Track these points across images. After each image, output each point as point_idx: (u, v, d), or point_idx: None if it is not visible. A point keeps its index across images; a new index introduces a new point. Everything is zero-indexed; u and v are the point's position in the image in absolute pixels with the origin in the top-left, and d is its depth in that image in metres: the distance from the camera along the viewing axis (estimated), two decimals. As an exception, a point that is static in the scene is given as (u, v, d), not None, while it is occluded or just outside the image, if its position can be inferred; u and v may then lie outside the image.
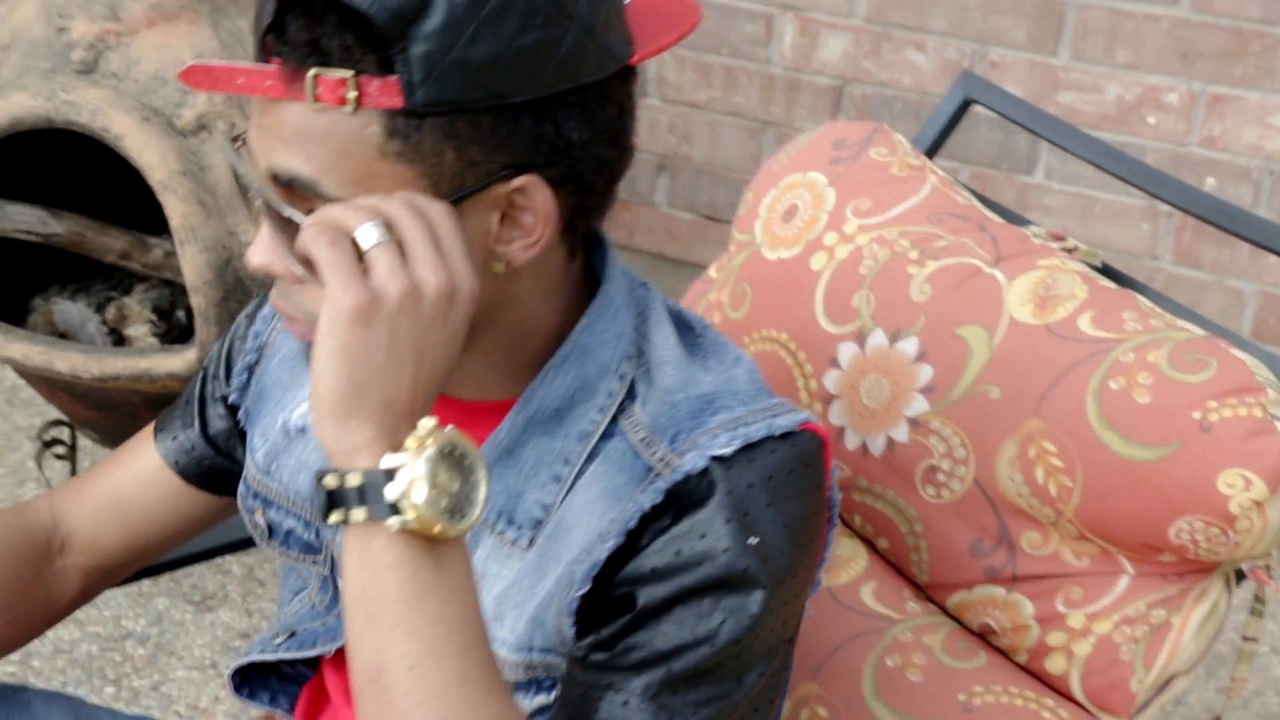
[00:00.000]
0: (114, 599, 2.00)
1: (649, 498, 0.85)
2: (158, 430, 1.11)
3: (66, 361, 1.78)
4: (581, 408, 0.89)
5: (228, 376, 1.09)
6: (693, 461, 0.85)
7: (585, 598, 0.87)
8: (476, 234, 0.83)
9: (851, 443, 1.18)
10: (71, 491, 1.12)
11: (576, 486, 0.89)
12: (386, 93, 0.77)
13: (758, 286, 1.26)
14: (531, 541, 0.89)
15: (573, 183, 0.84)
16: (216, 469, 1.09)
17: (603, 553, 0.86)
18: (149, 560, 1.14)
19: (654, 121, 2.41)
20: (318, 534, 1.03)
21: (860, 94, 2.26)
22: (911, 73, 2.22)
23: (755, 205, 1.30)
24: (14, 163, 1.82)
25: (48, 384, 1.91)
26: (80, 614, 1.98)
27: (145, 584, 2.01)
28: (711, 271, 1.37)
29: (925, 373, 1.14)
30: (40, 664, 1.92)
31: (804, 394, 1.20)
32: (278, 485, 1.04)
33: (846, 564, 1.20)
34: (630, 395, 0.89)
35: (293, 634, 1.07)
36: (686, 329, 0.95)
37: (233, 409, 1.09)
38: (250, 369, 1.07)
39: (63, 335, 1.93)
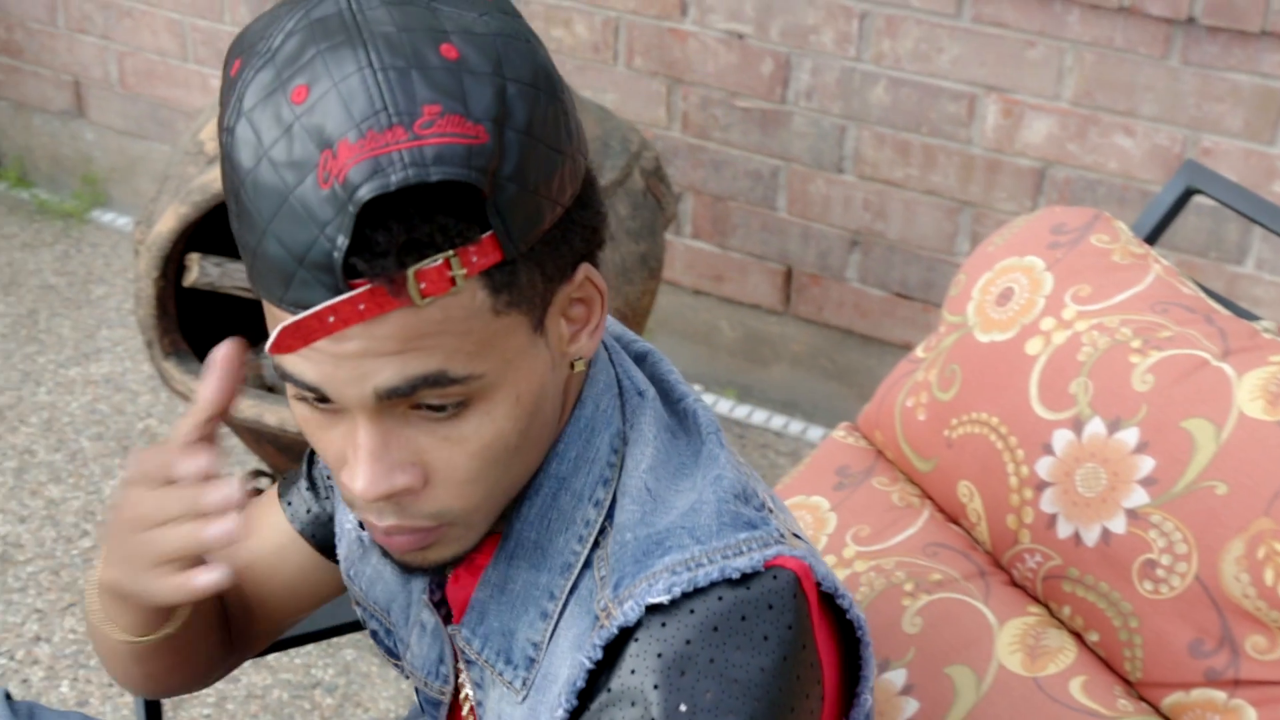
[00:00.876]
0: (306, 648, 2.04)
1: (590, 653, 0.80)
2: (285, 499, 1.07)
3: (275, 415, 1.84)
4: (561, 538, 0.85)
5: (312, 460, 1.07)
6: (627, 613, 0.79)
7: None
8: (554, 345, 0.81)
9: (1063, 531, 1.15)
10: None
11: (559, 627, 0.85)
12: (485, 254, 0.74)
13: (968, 369, 1.25)
14: (525, 683, 0.86)
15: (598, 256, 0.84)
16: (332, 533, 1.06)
17: (565, 710, 0.81)
18: (273, 630, 1.09)
19: (849, 197, 2.41)
20: (396, 643, 1.01)
21: (1063, 177, 2.23)
22: (1118, 157, 2.18)
23: (968, 287, 1.29)
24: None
25: (255, 435, 1.98)
26: (273, 660, 2.03)
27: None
28: (919, 351, 1.36)
29: (1146, 464, 1.11)
30: (234, 708, 1.97)
31: (1014, 479, 1.19)
32: (359, 590, 1.02)
33: (1055, 655, 1.16)
34: (610, 518, 0.84)
35: None
36: (680, 440, 0.88)
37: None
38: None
39: (270, 390, 2.00)
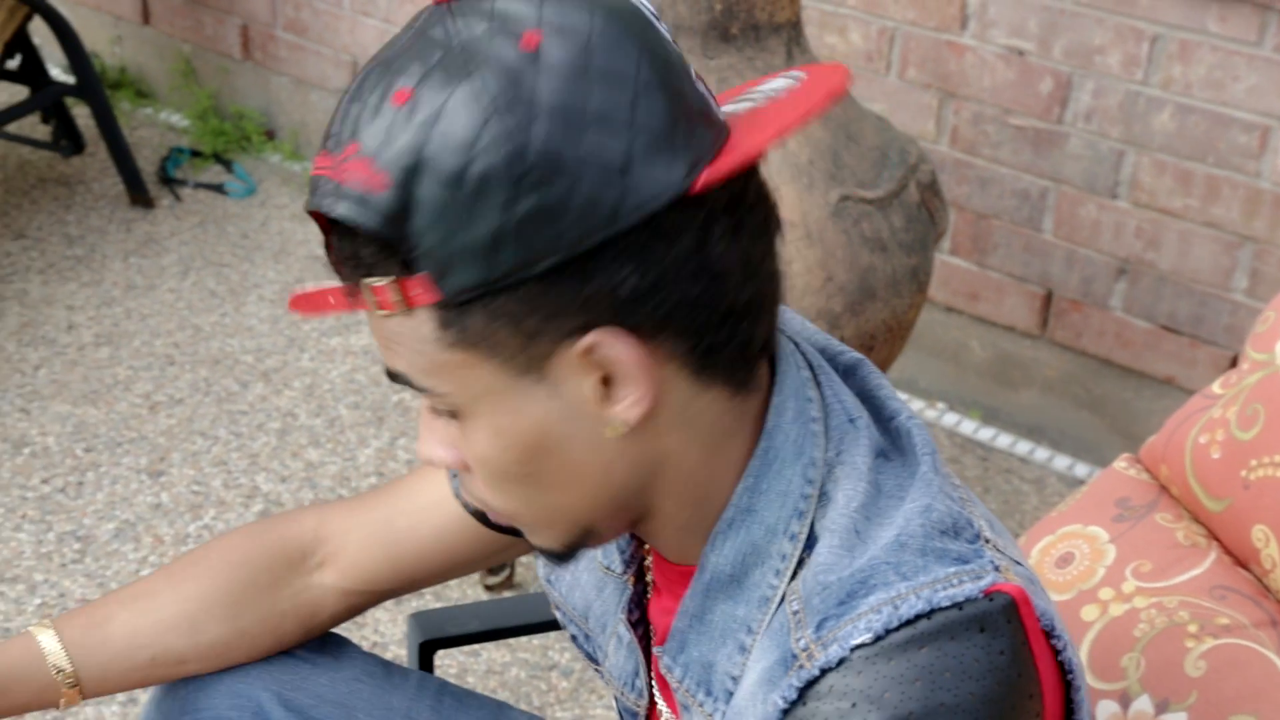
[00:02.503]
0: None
1: (787, 693, 0.78)
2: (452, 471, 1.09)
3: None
4: (757, 572, 0.83)
5: None
6: (830, 656, 0.77)
7: None
8: (575, 401, 0.78)
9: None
10: (345, 512, 1.13)
11: (754, 659, 0.82)
12: (421, 290, 0.75)
13: (1273, 409, 1.20)
14: (724, 716, 0.84)
15: (666, 329, 0.76)
16: None
17: None
18: (410, 590, 1.14)
19: (1120, 224, 2.34)
20: (595, 649, 1.02)
21: (1356, 217, 2.13)
22: None
23: (1276, 325, 1.24)
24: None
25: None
26: (513, 640, 2.07)
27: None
28: (1215, 387, 1.31)
29: None
30: (474, 680, 2.02)
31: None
32: (558, 595, 1.04)
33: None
34: (809, 549, 0.82)
35: None
36: (894, 464, 0.84)
37: None
38: None
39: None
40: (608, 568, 0.97)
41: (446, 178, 0.72)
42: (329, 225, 0.78)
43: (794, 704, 0.77)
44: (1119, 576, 1.24)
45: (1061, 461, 2.49)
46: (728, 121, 0.79)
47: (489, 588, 2.14)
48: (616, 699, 1.01)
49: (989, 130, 2.41)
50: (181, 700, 1.11)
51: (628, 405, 0.78)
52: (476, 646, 2.06)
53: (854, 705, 0.75)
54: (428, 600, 2.13)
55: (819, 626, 0.78)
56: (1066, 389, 2.50)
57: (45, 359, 2.65)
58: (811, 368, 0.86)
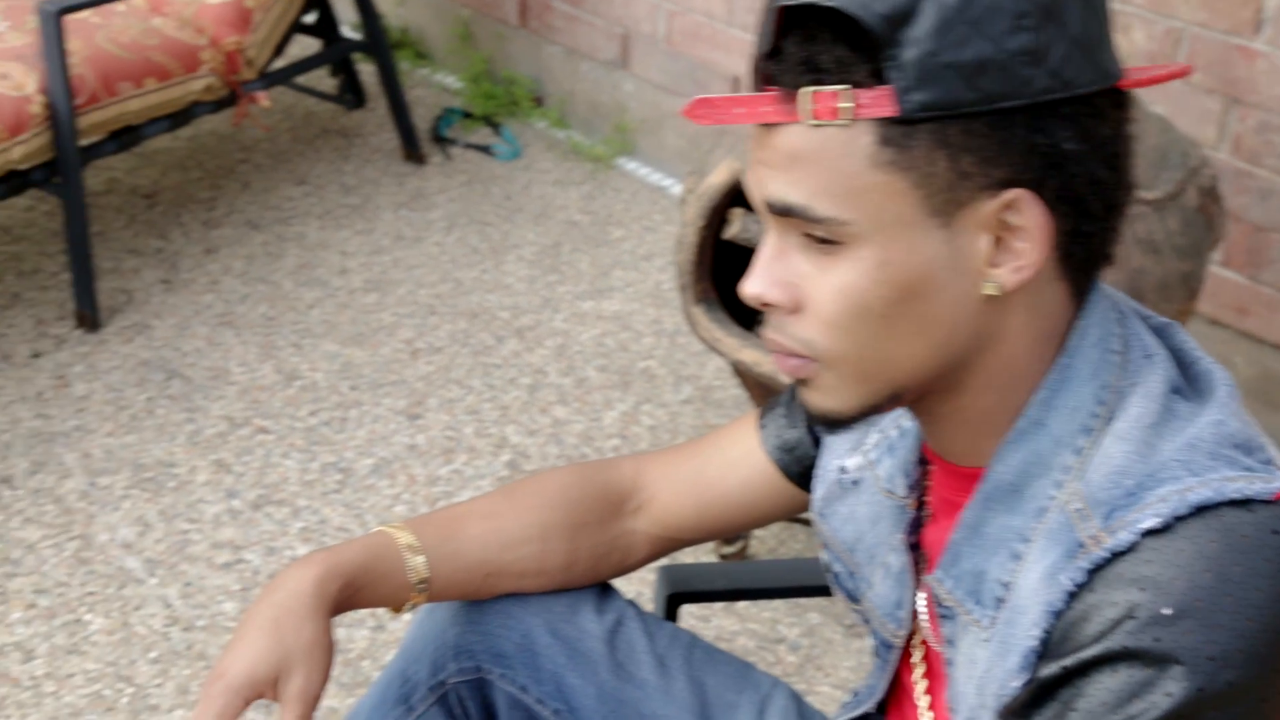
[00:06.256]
0: (775, 604, 2.11)
1: (1075, 575, 0.81)
2: (762, 423, 1.16)
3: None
4: (1037, 483, 0.85)
5: None
6: (1119, 540, 0.79)
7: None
8: (965, 253, 0.82)
9: None
10: (660, 462, 1.20)
11: (1029, 564, 0.85)
12: (879, 102, 0.78)
13: None
14: (993, 621, 0.87)
15: (1067, 203, 0.82)
16: (814, 468, 1.13)
17: (1037, 636, 0.83)
18: (709, 539, 1.19)
19: None
20: (857, 584, 1.05)
21: None
22: None
23: None
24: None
25: (765, 391, 2.05)
26: (741, 609, 2.10)
27: (805, 597, 2.10)
28: None
29: None
30: (702, 644, 2.06)
31: None
32: (828, 530, 1.07)
33: None
34: (1088, 463, 0.84)
35: (855, 693, 1.10)
36: (1188, 397, 0.86)
37: (813, 429, 1.13)
38: None
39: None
40: (890, 492, 1.01)
41: None
42: (784, 25, 0.80)
43: (1081, 586, 0.80)
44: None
45: (1322, 489, 2.39)
46: None
47: (723, 557, 2.17)
48: (875, 632, 1.05)
49: (1275, 140, 2.32)
50: (454, 611, 1.18)
51: (1011, 269, 0.82)
52: (707, 613, 2.09)
53: (1142, 590, 0.77)
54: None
55: (1107, 516, 0.81)
56: (1334, 415, 2.40)
57: (318, 300, 2.79)
58: (1120, 312, 0.90)
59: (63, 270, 2.78)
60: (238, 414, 2.47)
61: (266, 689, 1.02)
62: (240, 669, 1.01)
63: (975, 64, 0.77)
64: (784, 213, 0.82)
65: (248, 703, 1.01)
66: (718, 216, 1.97)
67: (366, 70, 3.52)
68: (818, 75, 0.79)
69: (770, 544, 2.24)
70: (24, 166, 2.49)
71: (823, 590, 1.38)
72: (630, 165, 3.32)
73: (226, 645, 1.03)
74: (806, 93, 0.79)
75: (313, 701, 1.02)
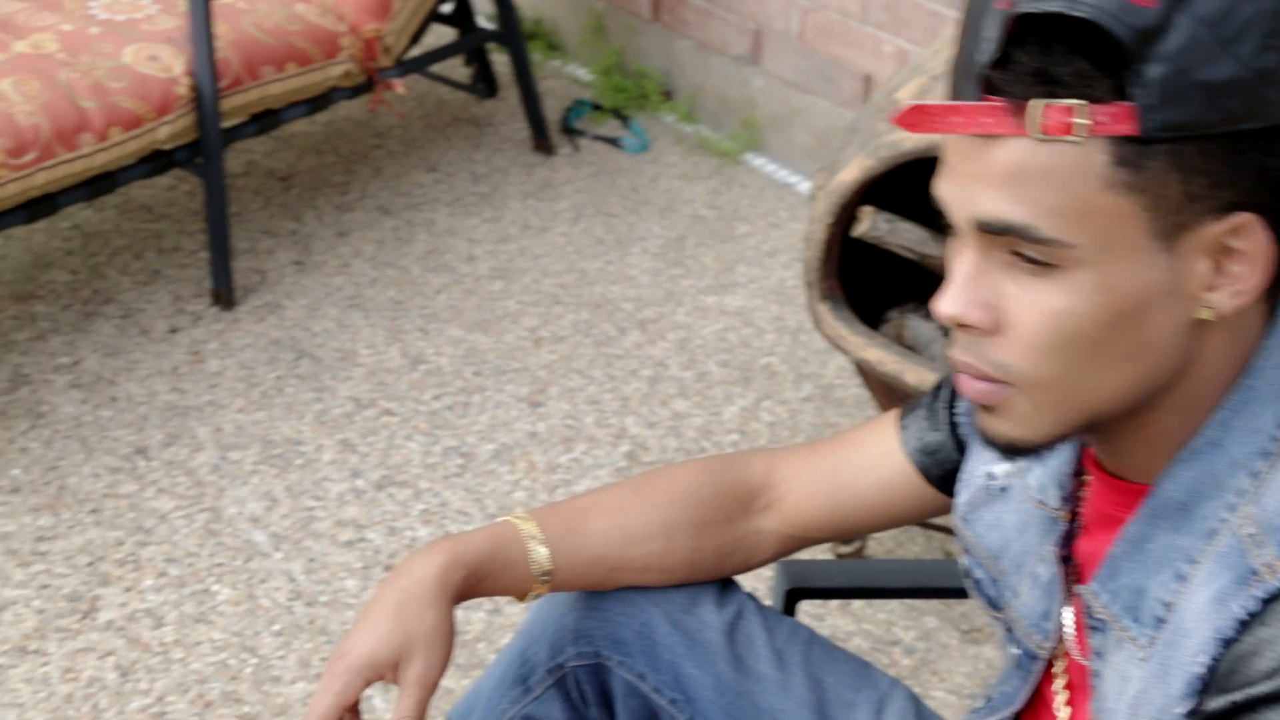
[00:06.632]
0: (891, 606, 2.09)
1: (1247, 604, 0.79)
2: (903, 424, 1.15)
3: (916, 374, 1.89)
4: (1209, 504, 0.83)
5: (954, 407, 1.12)
6: None
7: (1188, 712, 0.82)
8: (1184, 277, 0.79)
9: None
10: (792, 459, 1.19)
11: (1194, 586, 0.83)
12: (1118, 119, 0.75)
13: None
14: (1151, 641, 0.85)
15: None
16: (956, 472, 1.11)
17: (1204, 663, 0.81)
18: (839, 539, 1.19)
19: None
20: (1001, 592, 1.03)
21: None
22: None
23: None
24: (915, 184, 1.95)
25: (888, 391, 2.04)
26: (857, 610, 2.09)
27: (922, 600, 2.09)
28: None
29: None
30: (816, 642, 2.05)
31: None
32: (972, 535, 1.05)
33: None
34: (1264, 487, 0.82)
35: (989, 698, 1.08)
36: None
37: (957, 433, 1.12)
38: (971, 409, 1.09)
39: (911, 349, 2.05)
40: (1042, 503, 0.99)
41: (1214, 11, 0.74)
42: (1016, 32, 0.76)
43: (1254, 616, 0.79)
44: None
45: None
46: None
47: (840, 556, 2.16)
48: (1018, 643, 1.03)
49: None
50: (575, 596, 1.19)
51: (1230, 294, 0.80)
52: (822, 612, 2.09)
53: None
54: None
55: None
56: None
57: (445, 285, 2.83)
58: None
59: (201, 249, 2.86)
60: (364, 395, 2.51)
61: (387, 671, 1.04)
62: (362, 650, 1.03)
63: (1222, 84, 0.75)
64: (999, 231, 0.79)
65: (368, 683, 1.03)
66: (847, 214, 1.96)
67: (499, 60, 3.56)
68: (1051, 87, 0.76)
69: (888, 545, 2.22)
70: (168, 146, 2.56)
71: (945, 593, 1.37)
72: (757, 161, 3.32)
73: (350, 626, 1.05)
74: (1037, 105, 0.76)
75: (431, 687, 1.04)
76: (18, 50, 2.47)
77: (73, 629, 2.03)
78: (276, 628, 2.05)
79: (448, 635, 1.06)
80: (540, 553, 1.12)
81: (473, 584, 1.09)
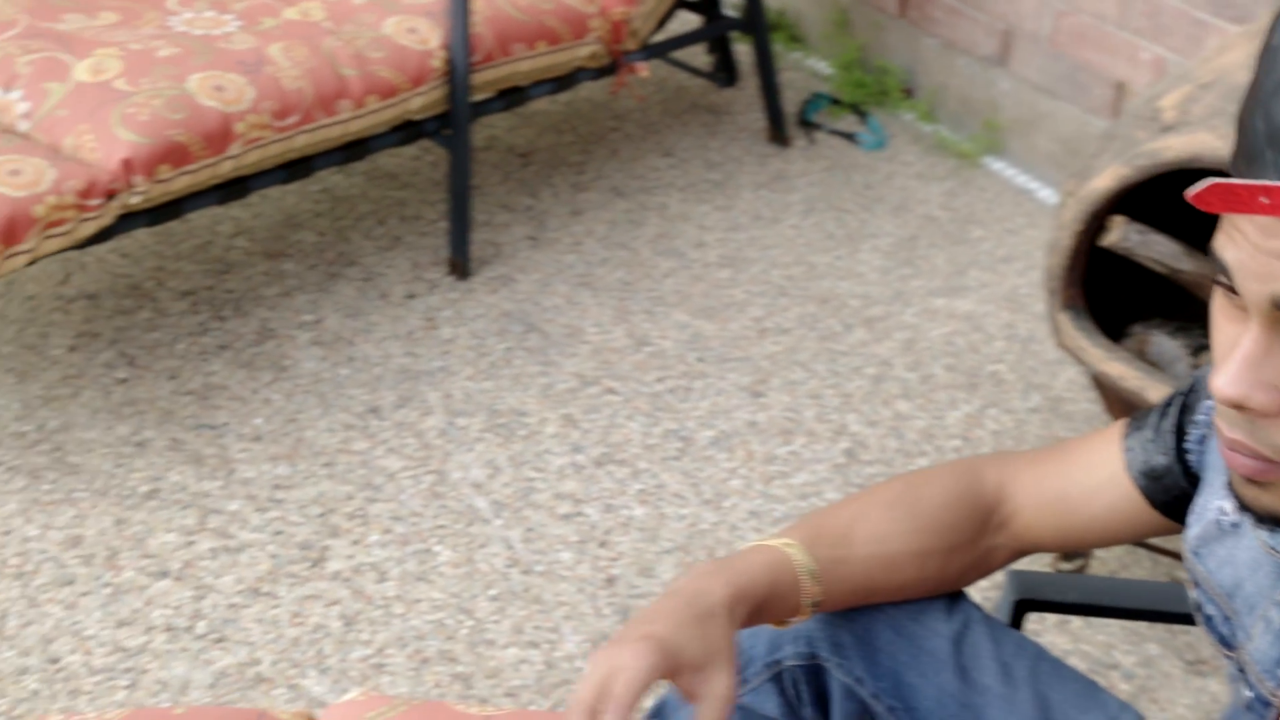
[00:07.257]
0: (1111, 627, 2.03)
1: None
2: (1126, 444, 1.12)
3: (1158, 393, 1.83)
4: None
5: (1182, 433, 1.08)
6: None
7: None
8: None
9: None
10: (1025, 475, 1.16)
11: None
12: None
13: None
14: None
15: None
16: (1183, 498, 1.08)
17: None
18: (1061, 551, 1.16)
19: None
20: (1234, 631, 0.98)
21: None
22: None
23: None
24: (1172, 196, 1.89)
25: (1125, 408, 1.98)
26: (1075, 628, 2.04)
27: (1144, 625, 2.02)
28: None
29: None
30: (1030, 658, 2.01)
31: None
32: (1202, 570, 1.01)
33: None
34: None
35: None
36: None
37: (1185, 460, 1.08)
38: (1203, 438, 1.05)
39: (1154, 366, 1.98)
40: (1274, 548, 0.96)
41: None
42: None
43: None
44: None
45: None
46: None
47: (1060, 572, 2.11)
48: (1251, 686, 0.99)
49: None
50: None
51: None
52: (1038, 629, 2.04)
53: None
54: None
55: None
56: None
57: (673, 270, 2.85)
58: None
59: (440, 219, 2.94)
60: (589, 372, 2.55)
61: (679, 670, 1.01)
62: (672, 638, 1.00)
63: None
64: None
65: (660, 672, 0.99)
66: (1097, 222, 1.91)
67: (741, 50, 3.57)
68: None
69: (1112, 565, 2.16)
70: (419, 117, 2.64)
71: (1176, 618, 1.32)
72: (997, 165, 3.25)
73: (642, 616, 1.03)
74: None
75: (733, 706, 1.02)
76: (287, 16, 2.57)
77: (302, 576, 2.11)
78: (493, 592, 2.10)
79: (734, 664, 1.05)
80: (811, 584, 1.12)
81: (751, 618, 1.08)
